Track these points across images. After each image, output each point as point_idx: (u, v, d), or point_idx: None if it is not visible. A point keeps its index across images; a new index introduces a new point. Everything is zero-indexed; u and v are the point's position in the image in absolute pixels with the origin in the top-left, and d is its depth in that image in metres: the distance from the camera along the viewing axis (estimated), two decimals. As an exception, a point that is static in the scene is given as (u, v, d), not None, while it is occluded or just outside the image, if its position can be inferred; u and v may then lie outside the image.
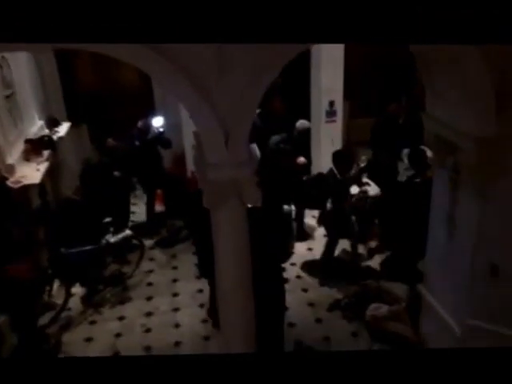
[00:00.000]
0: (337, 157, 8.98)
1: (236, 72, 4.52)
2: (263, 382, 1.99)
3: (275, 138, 9.83)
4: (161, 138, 10.26)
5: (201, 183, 5.27)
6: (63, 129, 10.57)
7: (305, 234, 10.32)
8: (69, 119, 11.51)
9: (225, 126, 4.77)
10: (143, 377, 2.04)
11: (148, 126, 10.22)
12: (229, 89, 4.61)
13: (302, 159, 9.87)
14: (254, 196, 5.22)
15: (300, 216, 10.25)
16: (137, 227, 10.44)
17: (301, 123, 10.15)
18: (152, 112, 10.98)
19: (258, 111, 9.78)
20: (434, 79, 5.81)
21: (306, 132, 10.07)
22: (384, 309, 6.91)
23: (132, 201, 11.17)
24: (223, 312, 5.89)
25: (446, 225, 6.21)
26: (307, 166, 10.19)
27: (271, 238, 6.80)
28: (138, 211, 11.27)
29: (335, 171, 8.76)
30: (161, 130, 10.28)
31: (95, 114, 12.17)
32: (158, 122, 10.34)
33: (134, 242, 9.40)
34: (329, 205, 8.82)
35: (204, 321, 8.14)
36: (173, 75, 4.52)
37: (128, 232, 8.99)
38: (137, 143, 10.11)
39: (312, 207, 10.01)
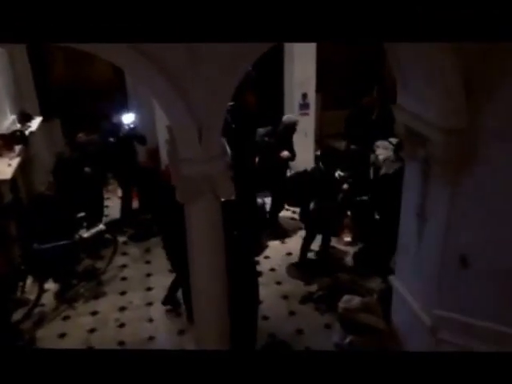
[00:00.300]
0: (325, 156, 9.06)
1: (208, 65, 4.52)
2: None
3: (260, 131, 9.83)
4: (136, 134, 10.22)
5: (174, 178, 5.28)
6: (35, 123, 10.45)
7: (279, 228, 10.33)
8: (41, 114, 11.38)
9: (198, 121, 4.78)
10: (116, 371, 2.06)
11: (121, 122, 10.16)
12: (201, 83, 4.61)
13: (285, 153, 9.88)
14: (227, 190, 5.25)
15: (276, 210, 10.24)
16: (111, 222, 10.41)
17: (287, 117, 10.17)
18: (123, 108, 10.88)
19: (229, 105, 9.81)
20: (405, 71, 5.81)
21: (292, 126, 10.06)
22: (356, 300, 6.95)
23: (106, 196, 11.13)
24: (197, 305, 5.92)
25: (417, 217, 6.26)
26: (290, 159, 10.19)
27: (244, 231, 6.82)
28: (112, 205, 11.24)
29: (322, 169, 8.82)
30: (132, 126, 10.21)
31: (68, 109, 12.05)
32: (128, 118, 10.26)
33: (108, 236, 9.37)
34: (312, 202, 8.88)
35: (178, 315, 8.14)
36: (146, 69, 4.51)
37: (101, 227, 8.96)
38: (111, 139, 10.04)
39: (294, 203, 10.05)
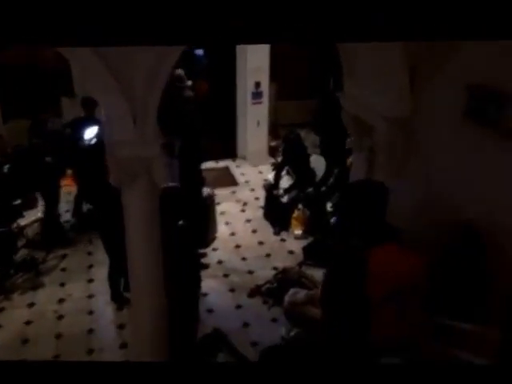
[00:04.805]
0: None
1: (143, 48, 4.37)
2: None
3: None
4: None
5: (109, 160, 5.09)
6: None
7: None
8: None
9: (133, 104, 4.70)
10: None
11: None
12: (137, 66, 4.56)
13: None
14: (161, 175, 5.11)
15: None
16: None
17: None
18: (80, 122, 9.63)
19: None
20: (352, 59, 5.75)
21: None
22: (302, 294, 6.76)
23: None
24: (134, 295, 5.78)
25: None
26: None
27: (188, 222, 6.59)
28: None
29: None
30: (92, 142, 9.05)
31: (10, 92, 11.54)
32: (90, 133, 9.12)
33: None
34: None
35: (119, 308, 7.85)
36: (80, 50, 4.40)
37: (39, 215, 8.62)
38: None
39: None
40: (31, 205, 9.14)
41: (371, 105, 5.48)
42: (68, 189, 10.42)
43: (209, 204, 9.09)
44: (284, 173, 9.95)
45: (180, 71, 9.76)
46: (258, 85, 11.22)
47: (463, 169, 4.87)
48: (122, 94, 4.61)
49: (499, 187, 4.50)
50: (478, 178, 4.73)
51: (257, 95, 11.32)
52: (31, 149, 9.01)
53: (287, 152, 9.80)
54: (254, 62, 11.05)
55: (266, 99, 11.54)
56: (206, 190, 8.95)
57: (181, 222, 6.23)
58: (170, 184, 6.29)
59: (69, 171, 10.13)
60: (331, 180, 9.67)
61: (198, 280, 6.98)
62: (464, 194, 4.89)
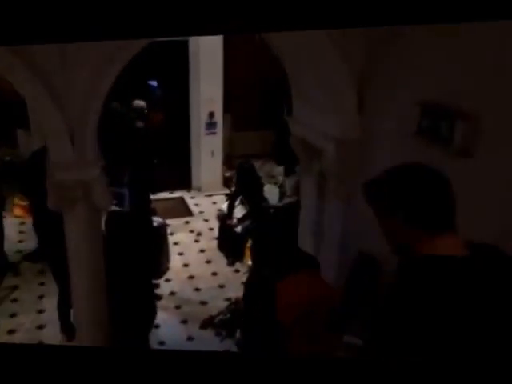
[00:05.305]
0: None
1: (80, 69, 4.44)
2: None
3: None
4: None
5: (48, 184, 5.02)
6: None
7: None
8: None
9: (70, 125, 4.66)
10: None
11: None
12: (73, 86, 4.53)
13: None
14: (103, 198, 5.02)
15: None
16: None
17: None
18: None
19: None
20: (299, 80, 5.74)
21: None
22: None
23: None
24: (77, 321, 5.73)
25: (313, 235, 6.12)
26: None
27: (141, 253, 6.51)
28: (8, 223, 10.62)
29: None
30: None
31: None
32: None
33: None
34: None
35: (69, 339, 7.67)
36: (19, 72, 4.43)
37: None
38: None
39: None
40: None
41: (319, 126, 5.47)
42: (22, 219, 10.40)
43: (161, 234, 9.02)
44: (238, 203, 9.92)
45: (141, 102, 9.74)
46: (211, 115, 11.23)
47: None
48: (58, 114, 4.56)
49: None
50: None
51: (210, 126, 11.32)
52: None
53: (241, 182, 9.81)
54: (207, 93, 11.07)
55: (220, 130, 11.54)
56: (157, 220, 8.88)
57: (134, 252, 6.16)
58: (116, 208, 6.24)
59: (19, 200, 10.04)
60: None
61: (154, 312, 6.88)
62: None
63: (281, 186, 10.28)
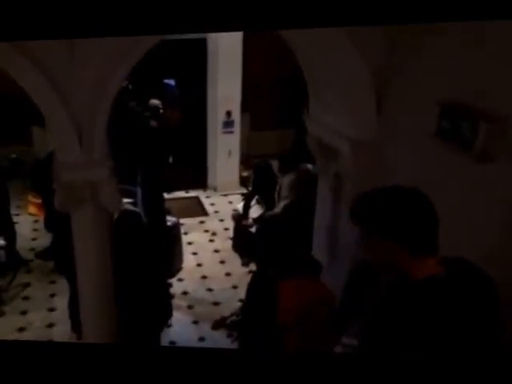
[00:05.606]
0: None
1: (88, 66, 4.35)
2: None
3: None
4: None
5: (55, 184, 4.92)
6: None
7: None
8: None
9: (78, 123, 4.56)
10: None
11: None
12: (81, 84, 4.44)
13: None
14: (111, 199, 4.91)
15: None
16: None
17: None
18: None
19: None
20: (316, 79, 5.62)
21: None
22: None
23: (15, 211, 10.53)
24: (84, 320, 5.75)
25: (328, 239, 5.99)
26: None
27: (153, 252, 6.42)
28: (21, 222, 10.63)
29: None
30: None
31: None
32: None
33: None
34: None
35: (78, 339, 7.61)
36: (26, 69, 4.34)
37: (1, 242, 8.43)
38: None
39: None
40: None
41: (334, 126, 5.35)
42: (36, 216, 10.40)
43: (174, 233, 8.92)
44: (254, 202, 9.79)
45: (156, 101, 9.68)
46: (228, 114, 11.13)
47: (436, 194, 4.64)
48: (65, 113, 4.47)
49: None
50: (452, 204, 4.35)
51: (228, 124, 11.22)
52: None
53: (257, 181, 9.67)
54: (225, 91, 10.96)
55: (237, 129, 11.44)
56: (171, 219, 8.78)
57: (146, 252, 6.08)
58: (128, 207, 6.15)
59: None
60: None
61: (168, 311, 6.74)
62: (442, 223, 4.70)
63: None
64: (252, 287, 5.28)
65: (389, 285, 2.85)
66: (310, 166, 7.97)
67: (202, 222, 10.92)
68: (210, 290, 8.92)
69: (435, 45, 4.27)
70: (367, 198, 2.74)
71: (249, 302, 5.42)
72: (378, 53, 4.69)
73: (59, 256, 7.46)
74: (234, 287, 8.95)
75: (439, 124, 4.36)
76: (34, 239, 10.12)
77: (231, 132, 11.34)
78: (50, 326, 8.01)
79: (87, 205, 4.85)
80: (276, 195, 9.31)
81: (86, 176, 4.73)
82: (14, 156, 10.02)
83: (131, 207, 6.51)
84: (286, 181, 8.42)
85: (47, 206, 9.23)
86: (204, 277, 9.26)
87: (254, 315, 5.03)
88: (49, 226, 8.78)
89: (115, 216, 5.43)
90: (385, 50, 4.68)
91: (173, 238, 8.86)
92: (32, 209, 10.63)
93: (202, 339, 7.77)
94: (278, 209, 7.89)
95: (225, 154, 11.30)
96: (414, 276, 2.62)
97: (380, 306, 2.84)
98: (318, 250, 6.17)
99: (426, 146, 4.57)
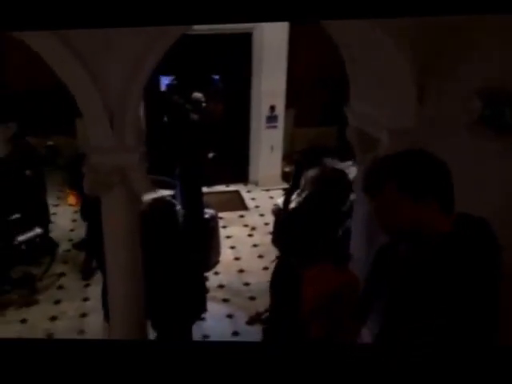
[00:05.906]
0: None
1: (122, 52, 4.32)
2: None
3: None
4: None
5: (85, 168, 4.91)
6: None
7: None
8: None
9: (110, 108, 4.54)
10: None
11: None
12: (115, 69, 4.43)
13: None
14: (141, 184, 4.86)
15: None
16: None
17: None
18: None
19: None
20: (357, 70, 5.56)
21: None
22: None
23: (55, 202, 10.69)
24: (113, 309, 5.67)
25: (366, 233, 5.87)
26: None
27: (189, 244, 6.38)
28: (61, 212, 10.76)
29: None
30: None
31: (27, 113, 11.50)
32: None
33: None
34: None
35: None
36: (59, 53, 4.32)
37: (38, 230, 8.46)
38: None
39: None
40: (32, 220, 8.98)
41: (375, 116, 5.27)
42: (75, 207, 10.40)
43: (212, 226, 8.85)
44: (295, 197, 9.67)
45: (199, 95, 9.66)
46: (272, 108, 11.06)
47: (481, 182, 4.44)
48: (98, 97, 4.45)
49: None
50: (498, 192, 4.34)
51: (271, 119, 11.15)
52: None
53: (298, 176, 9.55)
54: (269, 85, 10.90)
55: (281, 124, 11.37)
56: (208, 212, 8.72)
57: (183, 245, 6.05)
58: (160, 196, 6.11)
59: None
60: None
61: (202, 304, 6.73)
62: (483, 211, 4.53)
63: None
64: (276, 275, 5.48)
65: (408, 252, 2.86)
66: (333, 161, 7.96)
67: (241, 217, 10.87)
68: (246, 284, 8.85)
69: (477, 32, 4.16)
70: (393, 160, 2.82)
71: (273, 289, 5.59)
72: (420, 42, 4.56)
73: (92, 245, 7.47)
74: (271, 282, 8.83)
75: (481, 111, 4.26)
76: (71, 230, 10.18)
77: (275, 127, 11.27)
78: (83, 315, 8.00)
79: (117, 189, 4.81)
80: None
81: (115, 160, 4.69)
82: (50, 143, 10.06)
83: (165, 196, 6.46)
84: (310, 174, 8.35)
85: (83, 196, 9.30)
86: (241, 270, 9.19)
87: (278, 303, 5.31)
88: (84, 215, 8.82)
89: (145, 203, 5.40)
90: (427, 39, 4.56)
91: (210, 231, 8.78)
92: (71, 200, 10.67)
93: (235, 333, 7.68)
94: (299, 200, 7.81)
95: (267, 148, 11.25)
96: (440, 231, 2.64)
97: (403, 276, 2.85)
98: (356, 242, 6.14)
99: (467, 133, 4.47)
